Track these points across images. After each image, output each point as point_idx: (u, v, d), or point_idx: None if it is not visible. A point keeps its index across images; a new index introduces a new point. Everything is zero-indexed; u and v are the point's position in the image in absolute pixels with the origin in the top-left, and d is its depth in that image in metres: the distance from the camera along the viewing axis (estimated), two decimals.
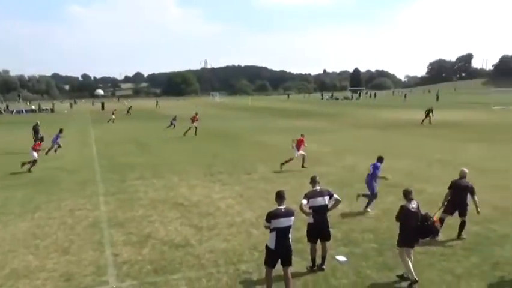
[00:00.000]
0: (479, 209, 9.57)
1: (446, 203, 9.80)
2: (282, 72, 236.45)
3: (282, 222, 7.08)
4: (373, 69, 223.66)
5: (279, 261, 7.23)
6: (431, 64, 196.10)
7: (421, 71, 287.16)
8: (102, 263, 8.93)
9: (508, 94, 74.72)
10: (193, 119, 32.05)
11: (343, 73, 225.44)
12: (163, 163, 20.27)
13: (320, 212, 8.14)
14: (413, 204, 7.76)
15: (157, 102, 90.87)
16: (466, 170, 10.13)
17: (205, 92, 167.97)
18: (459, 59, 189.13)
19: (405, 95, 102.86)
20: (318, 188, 8.28)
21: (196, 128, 31.62)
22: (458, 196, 9.71)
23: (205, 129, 35.92)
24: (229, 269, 8.50)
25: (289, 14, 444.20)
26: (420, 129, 33.35)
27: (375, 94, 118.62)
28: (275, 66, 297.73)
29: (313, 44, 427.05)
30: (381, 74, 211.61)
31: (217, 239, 10.15)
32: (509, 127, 33.46)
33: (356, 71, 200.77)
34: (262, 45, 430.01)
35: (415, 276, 7.57)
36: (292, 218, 7.20)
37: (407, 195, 7.83)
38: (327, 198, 8.19)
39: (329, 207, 8.30)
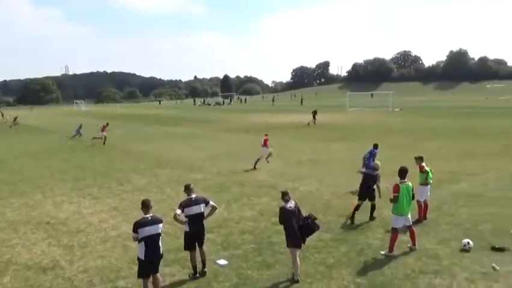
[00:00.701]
0: (380, 195, 11.34)
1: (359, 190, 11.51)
2: (152, 79, 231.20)
3: (150, 230, 7.03)
4: (242, 76, 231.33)
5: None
6: (294, 70, 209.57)
7: (286, 77, 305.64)
8: None
9: (360, 97, 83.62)
10: (103, 129, 31.49)
11: (214, 79, 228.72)
12: (23, 179, 18.29)
13: (196, 220, 8.12)
14: (290, 204, 8.02)
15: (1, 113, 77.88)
16: (378, 162, 11.89)
17: (68, 100, 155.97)
18: (318, 66, 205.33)
19: (273, 99, 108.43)
20: (193, 196, 8.23)
21: (105, 137, 30.75)
22: (367, 184, 11.41)
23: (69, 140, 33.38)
24: (107, 287, 8.00)
25: (158, 18, 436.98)
26: (287, 131, 35.42)
27: (245, 99, 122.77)
28: (144, 72, 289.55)
29: (183, 50, 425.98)
30: (250, 80, 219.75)
31: (90, 256, 9.48)
32: (363, 127, 37.39)
33: (226, 77, 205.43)
34: (131, 51, 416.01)
35: (298, 277, 7.95)
36: (161, 225, 7.19)
37: (283, 196, 8.12)
38: (203, 205, 8.20)
39: (205, 214, 8.32)
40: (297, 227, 7.93)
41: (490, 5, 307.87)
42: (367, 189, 11.38)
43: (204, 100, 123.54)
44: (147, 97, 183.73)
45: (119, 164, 21.38)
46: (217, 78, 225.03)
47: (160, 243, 7.23)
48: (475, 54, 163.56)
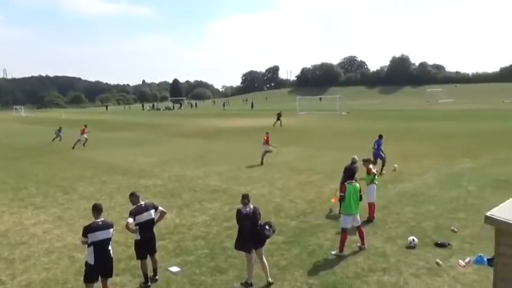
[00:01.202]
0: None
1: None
2: (98, 83, 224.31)
3: (99, 235, 6.95)
4: (192, 80, 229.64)
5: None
6: (244, 75, 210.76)
7: (236, 82, 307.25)
8: None
9: (310, 101, 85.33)
10: (82, 131, 31.62)
11: (163, 84, 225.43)
12: None
13: (147, 227, 7.97)
14: (247, 208, 7.91)
15: None
16: (356, 157, 12.59)
17: (6, 106, 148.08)
18: (268, 70, 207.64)
19: (224, 104, 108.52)
20: (142, 203, 8.06)
21: (86, 139, 31.22)
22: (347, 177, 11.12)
23: (8, 145, 31.70)
24: None
25: (103, 21, 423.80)
26: (238, 135, 35.52)
27: (196, 104, 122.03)
28: (90, 76, 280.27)
29: (130, 54, 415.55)
30: (200, 84, 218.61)
31: (34, 270, 9.02)
32: (313, 130, 38.20)
33: (176, 81, 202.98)
34: (75, 55, 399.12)
35: (251, 280, 7.95)
36: (111, 230, 7.12)
37: (242, 199, 8.03)
38: (152, 211, 8.05)
39: (155, 220, 8.18)
40: (251, 232, 7.86)
41: (429, 13, 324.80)
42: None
43: (153, 105, 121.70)
44: (93, 102, 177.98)
45: (64, 172, 20.51)
46: (166, 83, 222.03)
47: (110, 248, 7.13)
48: (416, 59, 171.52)
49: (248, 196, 8.00)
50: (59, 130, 34.81)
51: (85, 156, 25.85)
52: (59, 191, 16.24)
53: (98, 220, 7.06)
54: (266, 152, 21.59)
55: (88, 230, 6.91)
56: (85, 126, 32.75)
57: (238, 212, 7.92)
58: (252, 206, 7.94)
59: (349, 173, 9.51)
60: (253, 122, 51.13)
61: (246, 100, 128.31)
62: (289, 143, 29.10)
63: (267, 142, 21.97)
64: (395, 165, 18.41)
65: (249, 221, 7.82)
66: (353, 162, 12.29)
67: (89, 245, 6.92)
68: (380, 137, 18.48)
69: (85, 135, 31.26)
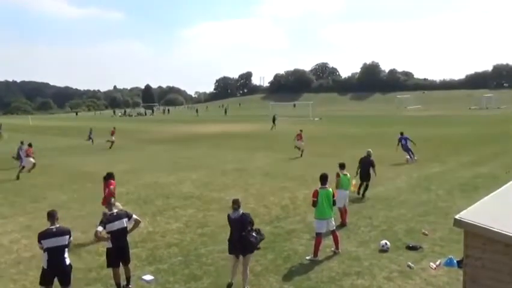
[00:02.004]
0: (376, 173, 14.62)
1: (357, 173, 14.46)
2: (67, 89, 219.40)
3: (54, 241, 7.00)
4: (165, 86, 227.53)
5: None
6: (217, 81, 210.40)
7: (209, 88, 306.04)
8: None
9: (283, 108, 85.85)
10: (112, 133, 33.19)
11: (135, 89, 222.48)
12: None
13: (119, 236, 7.83)
14: (236, 214, 7.95)
15: None
16: (370, 150, 15.10)
17: None
18: (241, 76, 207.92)
19: (197, 110, 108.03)
20: (114, 211, 7.94)
21: (113, 142, 32.71)
22: (364, 168, 14.47)
23: None
24: None
25: (73, 25, 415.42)
26: (213, 141, 35.38)
27: (168, 110, 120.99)
28: (59, 81, 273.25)
29: (101, 59, 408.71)
30: (173, 90, 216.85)
31: (1, 282, 8.71)
32: (286, 136, 38.35)
33: (148, 87, 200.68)
34: (44, 59, 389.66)
35: (232, 280, 7.99)
36: (67, 236, 7.13)
37: (232, 204, 8.08)
38: (125, 220, 7.92)
39: (128, 229, 8.05)
40: (238, 237, 7.88)
41: (399, 22, 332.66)
42: (366, 172, 14.42)
43: (125, 111, 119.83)
44: (62, 108, 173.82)
45: (32, 180, 19.90)
46: (138, 89, 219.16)
47: (66, 255, 7.13)
48: (385, 66, 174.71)
49: (238, 201, 8.05)
50: (91, 132, 35.99)
51: (54, 163, 25.18)
52: (27, 200, 15.75)
53: (53, 227, 7.12)
54: (297, 147, 24.97)
55: (41, 236, 7.05)
56: (114, 128, 34.49)
57: (228, 216, 8.07)
58: (240, 212, 7.99)
59: (322, 178, 9.56)
60: (227, 127, 51.07)
61: (223, 106, 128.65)
62: (262, 148, 29.20)
63: (300, 138, 25.12)
64: (414, 158, 21.53)
65: (236, 226, 7.90)
66: (368, 155, 14.86)
67: (44, 251, 7.03)
68: (401, 133, 22.28)
69: (113, 138, 32.94)
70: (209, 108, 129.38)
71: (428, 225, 11.35)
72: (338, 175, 11.86)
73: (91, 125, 43.05)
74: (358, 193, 14.45)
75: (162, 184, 18.06)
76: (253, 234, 8.00)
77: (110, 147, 32.11)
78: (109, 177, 11.41)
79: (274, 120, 46.92)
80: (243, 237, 7.85)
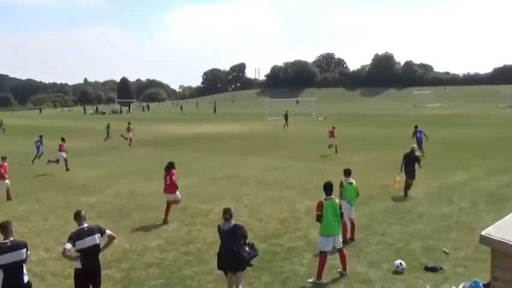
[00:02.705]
0: (421, 167, 16.49)
1: (402, 169, 16.24)
2: (30, 82, 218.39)
3: (9, 257, 7.05)
4: (144, 79, 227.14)
5: None
6: (205, 73, 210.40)
7: (196, 81, 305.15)
8: None
9: (281, 105, 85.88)
10: (128, 129, 36.80)
11: (109, 83, 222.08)
12: None
13: (90, 255, 7.76)
14: (227, 225, 8.06)
15: None
16: (415, 146, 17.74)
17: None
18: (232, 69, 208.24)
19: (181, 106, 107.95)
20: (85, 225, 7.87)
21: (131, 138, 36.37)
22: (409, 165, 16.10)
23: None
24: None
25: (36, 9, 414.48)
26: (199, 144, 35.34)
27: (148, 106, 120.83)
28: (20, 74, 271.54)
29: (70, 48, 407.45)
30: (154, 84, 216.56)
31: None
32: (284, 138, 38.48)
33: (124, 80, 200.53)
34: (0, 47, 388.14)
35: None
36: (24, 250, 7.20)
37: (223, 213, 8.17)
38: (97, 236, 7.85)
39: (101, 246, 8.00)
40: (228, 252, 7.95)
41: (415, 9, 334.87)
42: (412, 169, 16.09)
43: (97, 108, 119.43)
44: (24, 105, 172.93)
45: None
46: (112, 82, 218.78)
47: (25, 271, 7.19)
48: (401, 58, 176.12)
49: (230, 211, 8.16)
50: (108, 127, 39.17)
51: (15, 168, 25.00)
52: None
53: (7, 241, 7.13)
54: (330, 145, 27.85)
55: None
56: (129, 123, 37.97)
57: (218, 227, 8.24)
58: (233, 223, 8.08)
59: (326, 188, 9.56)
60: (216, 127, 51.06)
61: (214, 102, 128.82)
62: (256, 152, 29.20)
63: (332, 135, 27.91)
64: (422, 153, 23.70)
65: (227, 239, 8.00)
66: (412, 150, 16.45)
67: None
68: (416, 127, 26.52)
69: (130, 134, 36.42)
70: (200, 105, 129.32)
71: (450, 242, 11.39)
72: (341, 184, 11.83)
73: (60, 124, 42.84)
74: (405, 194, 16.17)
75: (140, 194, 18.00)
76: (246, 248, 8.06)
77: (129, 144, 35.72)
78: (170, 166, 14.31)
79: (286, 117, 49.18)
80: (234, 251, 7.91)
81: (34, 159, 27.26)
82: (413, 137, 26.35)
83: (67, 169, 24.29)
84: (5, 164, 18.53)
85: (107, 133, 38.67)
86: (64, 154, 24.87)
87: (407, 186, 16.25)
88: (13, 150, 31.09)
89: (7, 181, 18.53)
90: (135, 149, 33.32)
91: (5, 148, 29.95)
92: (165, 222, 13.75)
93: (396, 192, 16.37)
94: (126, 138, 36.60)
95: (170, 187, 14.10)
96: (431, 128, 42.11)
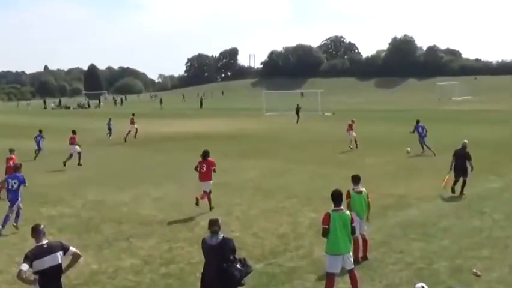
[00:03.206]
0: (472, 167, 17.89)
1: (452, 167, 17.91)
2: None
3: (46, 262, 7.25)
4: (116, 67, 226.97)
5: None
6: (190, 60, 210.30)
7: (179, 70, 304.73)
8: None
9: (281, 98, 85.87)
10: (131, 121, 39.99)
11: (74, 71, 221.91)
12: None
13: (51, 277, 7.74)
14: (215, 239, 8.02)
15: None
16: (466, 141, 18.64)
17: None
18: (223, 54, 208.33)
19: (161, 100, 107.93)
20: (45, 242, 7.85)
21: (136, 130, 39.88)
22: (460, 162, 17.78)
23: None
24: None
25: None
26: (182, 143, 35.26)
27: (121, 100, 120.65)
28: None
29: (26, 29, 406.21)
30: (127, 72, 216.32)
31: None
32: (284, 137, 38.45)
33: (92, 68, 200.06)
34: None
35: None
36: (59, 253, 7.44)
37: (211, 225, 8.14)
38: (59, 254, 7.84)
39: (63, 266, 7.98)
40: (217, 271, 7.91)
41: None
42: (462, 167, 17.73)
43: (60, 101, 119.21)
44: None
45: None
46: (78, 70, 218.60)
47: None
48: (423, 42, 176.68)
49: (218, 222, 8.16)
50: (109, 122, 41.30)
51: None
52: None
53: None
54: (351, 140, 30.74)
55: None
56: (133, 114, 41.38)
57: (203, 242, 8.17)
58: (221, 236, 8.06)
59: (335, 197, 9.51)
60: (203, 125, 51.01)
61: (204, 94, 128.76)
62: (250, 155, 29.18)
63: (351, 129, 30.93)
64: (408, 149, 26.68)
65: (214, 256, 7.95)
66: (464, 146, 18.16)
67: None
68: (418, 122, 28.53)
69: (135, 126, 39.82)
70: (186, 98, 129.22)
71: (481, 262, 11.40)
72: (348, 194, 11.62)
73: (8, 121, 42.73)
74: (452, 191, 17.57)
75: (111, 204, 17.96)
76: (237, 266, 8.04)
77: (135, 137, 39.16)
78: (206, 155, 17.06)
79: (298, 111, 52.64)
80: (223, 270, 7.87)
81: (37, 155, 30.08)
82: (413, 132, 28.71)
83: (79, 164, 26.93)
84: (13, 156, 21.15)
85: (109, 129, 40.79)
86: (77, 147, 27.74)
87: (461, 185, 17.66)
88: None
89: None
90: (104, 150, 33.23)
91: None
92: (211, 208, 16.57)
93: (416, 203, 16.39)
94: (129, 132, 39.35)
95: (206, 174, 16.82)
96: (458, 125, 42.30)
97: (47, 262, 7.68)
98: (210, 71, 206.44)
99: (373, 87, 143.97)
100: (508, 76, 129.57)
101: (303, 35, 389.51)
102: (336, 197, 9.47)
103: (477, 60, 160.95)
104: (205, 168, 16.79)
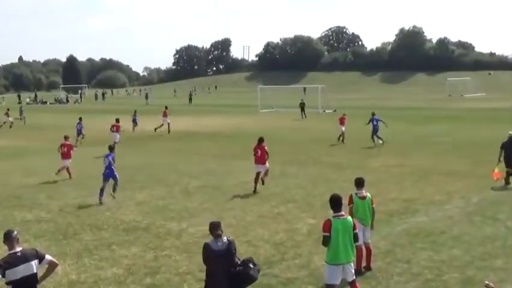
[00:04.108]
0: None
1: (501, 159, 19.43)
2: None
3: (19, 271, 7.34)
4: (98, 58, 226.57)
5: None
6: (178, 52, 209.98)
7: (167, 62, 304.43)
8: None
9: (275, 92, 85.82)
10: (164, 114, 42.44)
11: (51, 63, 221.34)
12: None
13: (25, 287, 7.77)
14: (220, 243, 8.06)
15: None
16: (511, 132, 19.78)
17: None
18: (214, 46, 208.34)
19: (147, 95, 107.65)
20: (18, 249, 7.84)
21: (169, 124, 41.95)
22: (509, 153, 19.19)
23: None
24: None
25: None
26: (169, 142, 35.26)
27: (103, 94, 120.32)
28: None
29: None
30: (110, 65, 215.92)
31: None
32: (281, 137, 38.40)
33: (71, 60, 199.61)
34: None
35: None
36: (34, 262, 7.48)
37: (212, 229, 8.17)
38: (34, 263, 7.85)
39: (39, 276, 7.99)
40: (225, 276, 7.96)
41: None
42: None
43: (36, 95, 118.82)
44: None
45: None
46: (56, 62, 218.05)
47: None
48: (432, 34, 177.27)
49: (220, 225, 8.21)
50: (135, 114, 44.25)
51: None
52: None
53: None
54: (340, 135, 33.41)
55: None
56: (166, 107, 43.89)
57: (207, 247, 8.11)
58: (226, 239, 8.12)
59: (335, 202, 9.48)
60: (193, 123, 50.93)
61: (194, 89, 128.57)
62: (241, 155, 29.12)
63: (342, 123, 33.67)
64: (380, 141, 31.09)
65: (222, 261, 7.98)
66: (510, 137, 19.50)
67: None
68: (373, 114, 32.11)
69: (168, 120, 42.01)
70: (178, 93, 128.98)
71: (495, 272, 11.44)
72: (350, 199, 11.64)
73: None
74: (507, 182, 19.39)
75: (92, 208, 17.94)
76: (250, 265, 8.18)
77: (169, 132, 41.45)
78: (261, 140, 20.50)
79: (303, 108, 55.02)
80: (235, 274, 8.02)
81: (77, 141, 34.04)
82: (368, 124, 32.54)
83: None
84: (68, 142, 24.71)
85: (134, 121, 43.53)
86: (118, 135, 33.49)
87: (509, 176, 19.45)
88: None
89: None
90: (85, 148, 33.15)
91: None
92: (255, 191, 19.59)
93: (424, 209, 16.43)
94: (162, 125, 41.99)
95: (262, 158, 20.04)
96: (470, 124, 42.38)
97: (20, 272, 7.68)
98: (200, 64, 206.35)
99: (378, 83, 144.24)
100: None
101: (302, 25, 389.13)
102: (335, 203, 9.40)
103: (491, 54, 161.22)
104: (259, 152, 19.89)
